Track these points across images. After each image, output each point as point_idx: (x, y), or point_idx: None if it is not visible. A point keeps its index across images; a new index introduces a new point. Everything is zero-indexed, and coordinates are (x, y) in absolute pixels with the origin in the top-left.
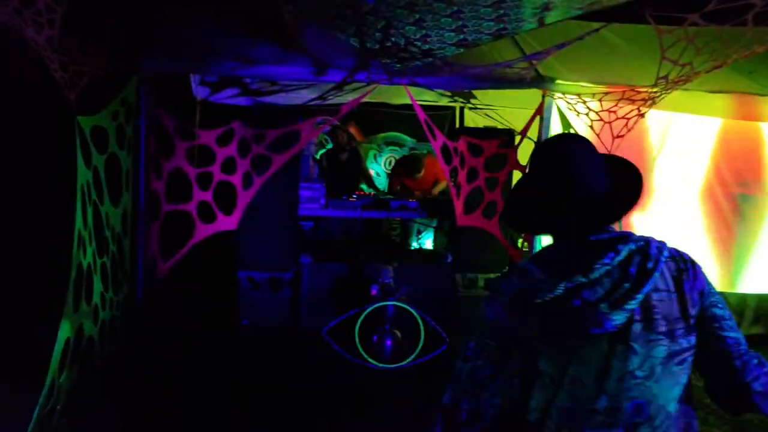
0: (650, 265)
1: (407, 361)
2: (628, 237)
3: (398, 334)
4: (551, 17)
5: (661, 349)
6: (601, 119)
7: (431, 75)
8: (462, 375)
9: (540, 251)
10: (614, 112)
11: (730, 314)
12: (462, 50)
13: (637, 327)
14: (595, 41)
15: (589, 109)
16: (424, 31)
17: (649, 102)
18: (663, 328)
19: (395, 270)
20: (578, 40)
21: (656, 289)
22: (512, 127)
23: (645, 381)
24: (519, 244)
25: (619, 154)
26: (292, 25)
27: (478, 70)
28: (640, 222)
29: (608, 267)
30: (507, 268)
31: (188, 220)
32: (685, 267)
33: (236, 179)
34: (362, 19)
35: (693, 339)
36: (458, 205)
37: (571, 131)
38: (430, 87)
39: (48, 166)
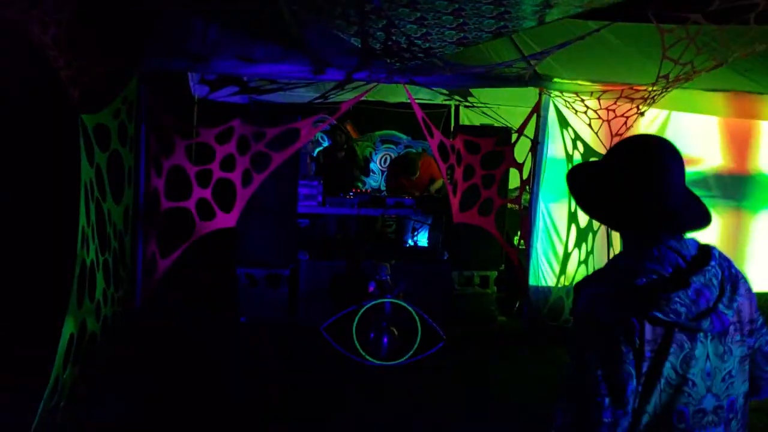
0: (734, 270)
1: (404, 358)
2: (707, 244)
3: (395, 331)
4: (552, 15)
5: (742, 349)
6: (600, 117)
7: (430, 74)
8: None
9: (629, 251)
10: (613, 110)
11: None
12: (461, 49)
13: (732, 328)
14: (592, 40)
15: (588, 108)
16: (424, 30)
17: (649, 100)
18: (745, 329)
19: (392, 267)
20: (578, 40)
21: (740, 294)
22: (509, 124)
23: (735, 379)
24: (515, 242)
25: None
26: (292, 24)
27: (477, 69)
28: None
29: (715, 269)
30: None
31: (187, 218)
32: (744, 276)
33: (235, 177)
34: (366, 19)
35: (753, 340)
36: (454, 203)
37: (569, 130)
38: (429, 86)
39: (52, 163)
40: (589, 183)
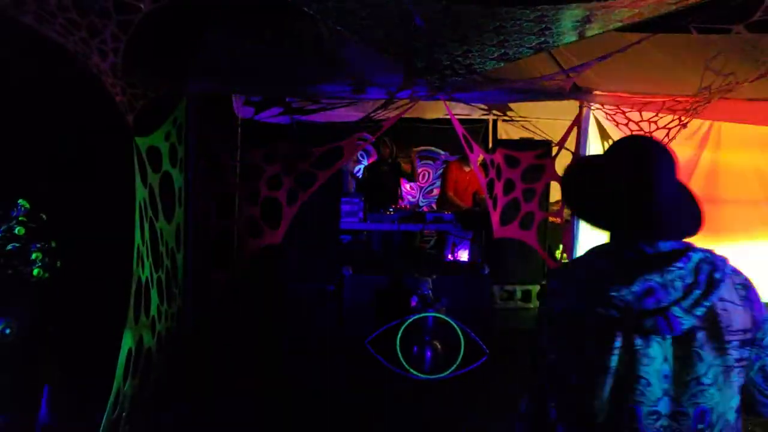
0: (718, 275)
1: (447, 372)
2: (694, 246)
3: (438, 345)
4: (592, 30)
5: (725, 359)
6: (641, 129)
7: (470, 90)
8: (543, 372)
9: (599, 249)
10: (655, 122)
11: None
12: (502, 64)
13: (702, 334)
14: (632, 52)
15: (629, 120)
16: (465, 47)
17: (691, 111)
18: (727, 338)
19: (434, 282)
20: (618, 52)
21: (722, 299)
22: (549, 137)
23: (709, 388)
24: (557, 256)
25: None
26: (333, 44)
27: (517, 84)
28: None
29: (682, 271)
30: (566, 262)
31: (236, 235)
32: (748, 284)
33: (281, 195)
34: (409, 39)
35: (747, 352)
36: (495, 217)
37: (610, 142)
38: (469, 101)
39: (109, 186)
40: (579, 183)
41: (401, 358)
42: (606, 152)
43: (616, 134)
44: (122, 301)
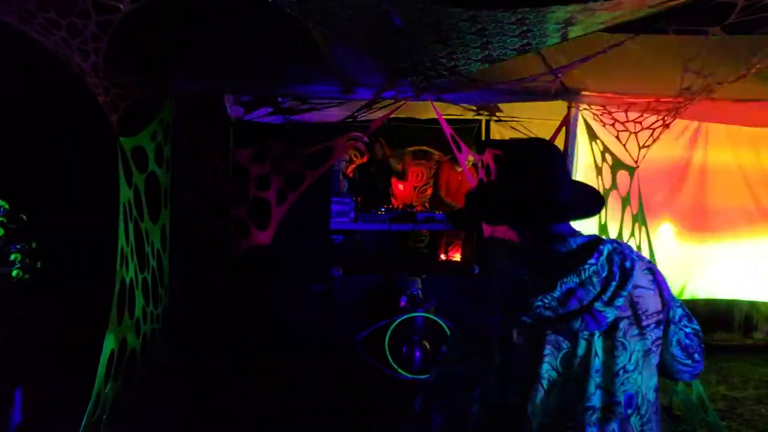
0: (629, 263)
1: None
2: (602, 239)
3: (427, 345)
4: (574, 32)
5: (644, 342)
6: (627, 130)
7: (456, 90)
8: (436, 381)
9: (507, 249)
10: (640, 122)
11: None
12: (487, 65)
13: (624, 323)
14: (620, 52)
15: (615, 120)
16: (449, 49)
17: (674, 112)
18: (644, 323)
19: (423, 282)
20: (601, 53)
21: (636, 286)
22: (540, 138)
23: (632, 374)
24: None
25: (647, 164)
26: (322, 44)
27: (501, 85)
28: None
29: (595, 267)
30: (477, 268)
31: (225, 236)
32: (653, 268)
33: (270, 195)
34: (391, 40)
35: (661, 332)
36: None
37: (598, 142)
38: (456, 102)
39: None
40: (482, 196)
41: (390, 359)
42: (501, 160)
43: (603, 135)
44: (106, 303)
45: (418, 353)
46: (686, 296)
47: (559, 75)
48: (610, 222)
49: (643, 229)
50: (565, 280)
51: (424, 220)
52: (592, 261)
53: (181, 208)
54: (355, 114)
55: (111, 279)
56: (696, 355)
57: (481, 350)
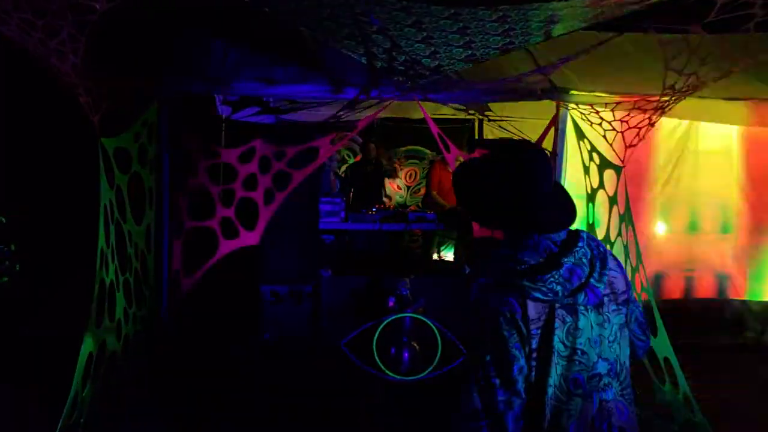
0: (602, 248)
1: (425, 373)
2: (579, 230)
3: (416, 346)
4: (557, 30)
5: (619, 317)
6: (614, 129)
7: (442, 90)
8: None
9: (507, 242)
10: (626, 121)
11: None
12: (470, 65)
13: (607, 299)
14: (608, 51)
15: (602, 119)
16: (432, 48)
17: (659, 111)
18: (619, 299)
19: (412, 282)
20: (585, 53)
21: (610, 269)
22: (528, 137)
23: (613, 344)
24: None
25: (633, 163)
26: (312, 44)
27: (486, 84)
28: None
29: (583, 249)
30: (479, 260)
31: (212, 236)
32: (613, 254)
33: (258, 195)
34: (370, 40)
35: (626, 310)
36: None
37: (585, 141)
38: (443, 102)
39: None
40: (469, 191)
41: (378, 360)
42: (488, 159)
43: (591, 134)
44: (85, 305)
45: (406, 354)
46: (679, 295)
47: (546, 74)
48: (597, 222)
49: (630, 228)
50: (564, 260)
51: (415, 220)
52: (581, 245)
53: (169, 208)
54: (340, 114)
55: (91, 281)
56: (648, 332)
57: (492, 329)
